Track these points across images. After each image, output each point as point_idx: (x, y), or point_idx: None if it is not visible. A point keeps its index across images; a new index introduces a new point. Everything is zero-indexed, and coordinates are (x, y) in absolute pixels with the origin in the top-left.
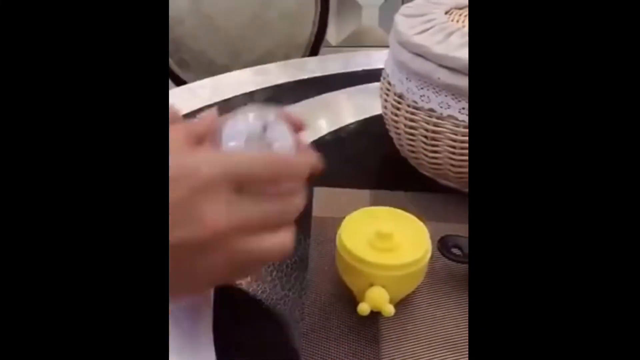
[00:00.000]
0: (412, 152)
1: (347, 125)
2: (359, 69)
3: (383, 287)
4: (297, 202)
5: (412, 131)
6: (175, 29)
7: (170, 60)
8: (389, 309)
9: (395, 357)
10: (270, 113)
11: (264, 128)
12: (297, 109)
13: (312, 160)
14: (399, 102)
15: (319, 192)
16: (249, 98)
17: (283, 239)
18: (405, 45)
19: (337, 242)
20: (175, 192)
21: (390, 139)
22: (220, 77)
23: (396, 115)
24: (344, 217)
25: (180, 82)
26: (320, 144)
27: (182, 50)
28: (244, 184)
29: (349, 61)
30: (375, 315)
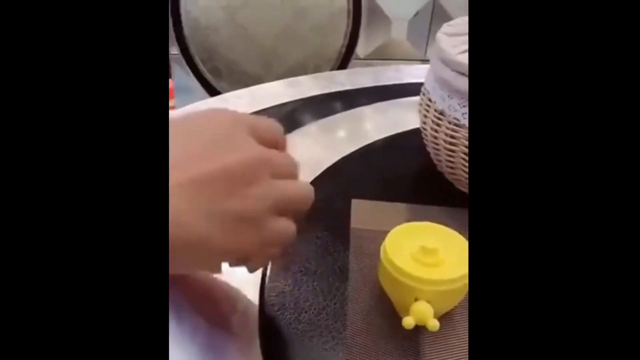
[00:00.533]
0: (451, 168)
1: (379, 140)
2: (390, 83)
3: (427, 301)
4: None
5: (453, 147)
6: (210, 38)
7: (204, 69)
8: (435, 324)
9: None
10: None
11: None
12: (330, 122)
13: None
14: (440, 119)
15: (357, 204)
16: (282, 110)
17: (303, 184)
18: (448, 63)
19: (382, 256)
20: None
21: (424, 153)
22: (255, 88)
23: (436, 131)
24: (382, 230)
25: (212, 90)
26: (352, 157)
27: (216, 59)
28: None
29: (379, 75)
30: (417, 329)
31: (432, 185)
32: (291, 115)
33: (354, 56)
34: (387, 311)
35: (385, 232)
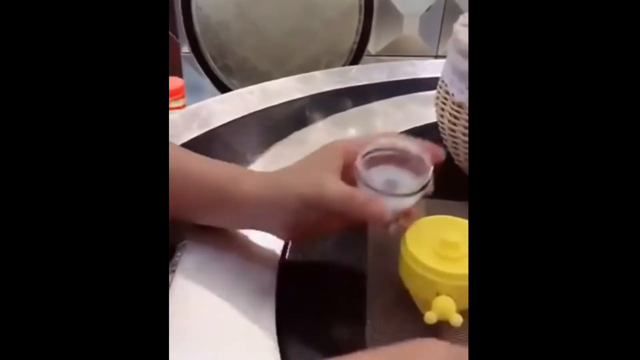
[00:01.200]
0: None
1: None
2: (405, 77)
3: (449, 296)
4: None
5: None
6: (221, 35)
7: (215, 66)
8: (458, 319)
9: None
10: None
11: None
12: (345, 117)
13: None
14: (458, 112)
15: None
16: (295, 105)
17: None
18: (466, 55)
19: (403, 250)
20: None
21: (441, 147)
22: (267, 84)
23: (454, 124)
24: (400, 225)
25: (223, 87)
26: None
27: (227, 56)
28: None
29: (394, 70)
30: (439, 324)
31: (449, 180)
32: (304, 111)
33: (365, 52)
34: (407, 306)
35: (404, 227)
